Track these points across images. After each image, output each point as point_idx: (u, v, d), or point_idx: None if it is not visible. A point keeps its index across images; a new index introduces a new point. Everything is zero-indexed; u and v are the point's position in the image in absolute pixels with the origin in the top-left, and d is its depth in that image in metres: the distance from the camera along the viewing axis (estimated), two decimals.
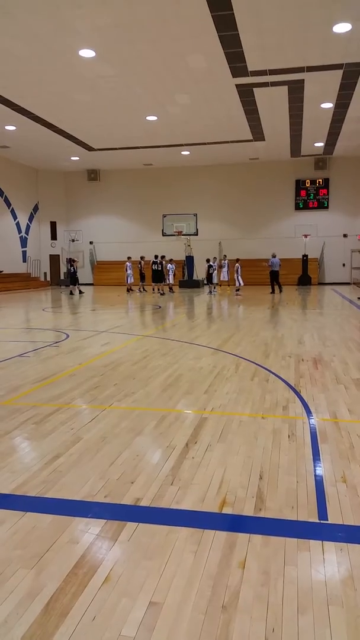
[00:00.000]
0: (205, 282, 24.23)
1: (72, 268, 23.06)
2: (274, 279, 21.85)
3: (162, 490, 3.27)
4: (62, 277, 31.36)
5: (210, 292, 22.08)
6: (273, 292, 21.84)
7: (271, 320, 12.50)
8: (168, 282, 24.05)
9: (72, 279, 22.92)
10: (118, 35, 12.66)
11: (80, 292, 23.25)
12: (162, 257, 23.85)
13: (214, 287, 22.47)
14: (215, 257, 24.24)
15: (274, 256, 21.98)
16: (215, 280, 22.67)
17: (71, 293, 22.95)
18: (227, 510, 3.03)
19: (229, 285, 25.07)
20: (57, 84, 16.15)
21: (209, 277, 22.47)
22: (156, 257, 23.29)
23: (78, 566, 2.49)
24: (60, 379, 6.41)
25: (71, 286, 23.16)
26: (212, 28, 12.30)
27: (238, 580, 2.37)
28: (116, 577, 2.40)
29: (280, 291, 21.91)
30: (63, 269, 31.49)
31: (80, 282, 23.57)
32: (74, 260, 23.48)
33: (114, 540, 2.71)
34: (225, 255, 25.73)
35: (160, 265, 22.90)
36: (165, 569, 2.46)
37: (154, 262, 22.95)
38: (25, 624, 2.10)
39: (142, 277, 24.25)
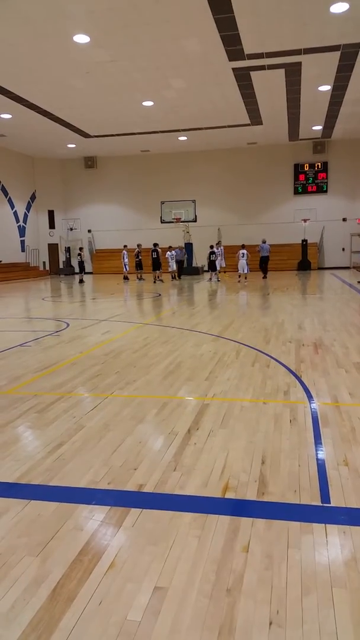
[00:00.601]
0: (206, 269, 23.99)
1: (79, 257, 24.82)
2: (264, 264, 22.71)
3: (165, 476, 3.28)
4: (61, 266, 31.29)
5: (210, 279, 21.87)
6: (265, 277, 22.47)
7: (271, 306, 12.49)
8: (170, 269, 23.45)
9: (81, 267, 24.19)
10: (112, 19, 12.48)
11: (81, 280, 23.51)
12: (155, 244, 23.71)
13: (215, 275, 21.97)
14: (219, 242, 24.06)
15: (264, 242, 22.64)
16: (218, 268, 22.45)
17: (80, 281, 23.44)
18: (230, 495, 3.05)
19: (225, 272, 24.98)
20: (52, 70, 15.97)
21: (211, 264, 22.22)
22: (155, 245, 23.10)
23: (83, 552, 2.51)
24: (61, 367, 6.42)
25: (82, 274, 24.11)
26: (207, 10, 12.13)
27: (242, 564, 2.39)
28: (121, 563, 2.42)
29: (264, 277, 22.51)
30: (62, 257, 31.42)
31: (78, 272, 23.81)
32: (81, 249, 24.98)
33: (118, 527, 2.73)
34: (220, 242, 25.15)
35: (156, 253, 22.65)
36: (170, 554, 2.48)
37: (153, 250, 22.79)
38: (32, 609, 2.12)
39: (140, 265, 23.90)
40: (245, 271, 20.32)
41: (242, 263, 20.27)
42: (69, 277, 28.42)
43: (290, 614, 2.06)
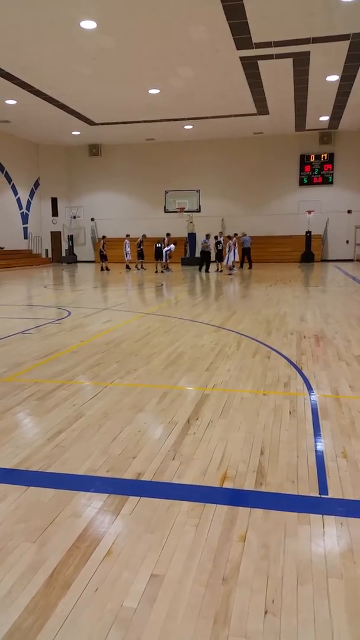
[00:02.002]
0: (213, 259, 23.64)
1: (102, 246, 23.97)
2: (246, 255, 23.84)
3: (164, 465, 3.29)
4: (63, 254, 31.24)
5: (218, 270, 21.57)
6: (250, 267, 23.62)
7: (273, 297, 12.46)
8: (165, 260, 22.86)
9: (102, 255, 23.63)
10: (119, 6, 12.34)
11: (102, 268, 23.46)
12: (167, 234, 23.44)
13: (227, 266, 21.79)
14: (221, 232, 23.93)
15: (244, 234, 24.22)
16: (232, 259, 21.56)
17: (102, 269, 23.41)
18: (228, 484, 3.05)
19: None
20: (58, 56, 15.84)
21: (217, 254, 22.14)
22: (168, 235, 23.02)
23: (80, 539, 2.52)
24: (62, 355, 6.43)
25: (103, 263, 23.54)
26: None
27: (239, 553, 2.40)
28: (118, 550, 2.43)
29: (250, 267, 23.68)
30: (65, 245, 31.36)
31: (80, 260, 23.29)
32: (104, 237, 24.42)
33: (116, 514, 2.74)
34: (220, 232, 24.50)
35: (161, 243, 22.46)
36: (167, 542, 2.48)
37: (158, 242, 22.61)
38: (29, 594, 2.13)
39: (141, 255, 23.54)
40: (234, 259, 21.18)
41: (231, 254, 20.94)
42: (71, 265, 28.42)
43: (286, 603, 2.07)
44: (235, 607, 2.05)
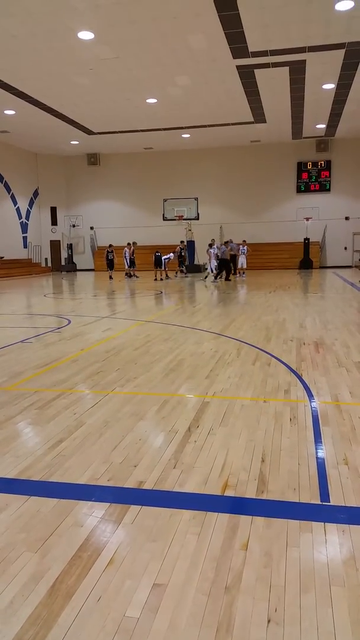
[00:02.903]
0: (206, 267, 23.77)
1: (109, 255, 23.61)
2: (232, 262, 22.84)
3: (165, 473, 3.29)
4: (63, 262, 31.29)
5: (222, 277, 21.43)
6: (235, 274, 22.55)
7: (273, 304, 12.48)
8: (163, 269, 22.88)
9: (111, 264, 23.31)
10: (117, 15, 12.45)
11: (111, 277, 23.10)
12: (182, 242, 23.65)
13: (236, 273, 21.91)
14: (230, 241, 24.02)
15: (231, 241, 23.07)
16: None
17: (110, 277, 23.11)
18: (229, 492, 3.05)
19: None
20: (56, 67, 15.95)
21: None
22: (182, 242, 23.32)
23: (82, 549, 2.51)
24: (62, 364, 6.43)
25: (110, 271, 23.28)
26: (212, 7, 12.09)
27: (241, 562, 2.39)
28: (120, 560, 2.43)
29: (234, 274, 22.56)
30: (64, 254, 31.42)
31: (79, 268, 23.10)
32: (110, 246, 24.08)
33: (117, 523, 2.73)
34: (213, 240, 24.50)
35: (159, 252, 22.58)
36: (169, 551, 2.48)
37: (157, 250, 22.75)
38: (31, 605, 2.13)
39: (132, 263, 23.66)
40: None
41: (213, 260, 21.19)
42: (71, 274, 28.45)
43: (289, 612, 2.06)
44: (238, 616, 2.04)
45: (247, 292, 15.91)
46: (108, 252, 23.55)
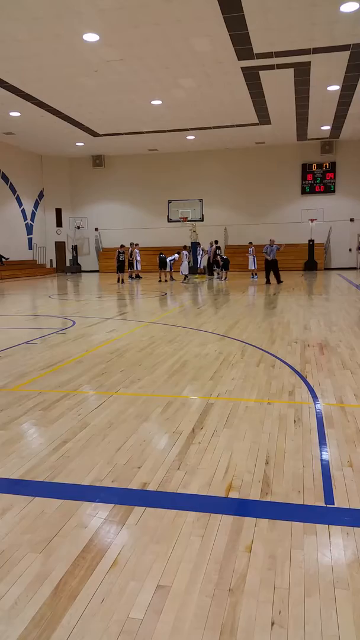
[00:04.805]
0: (214, 268, 23.79)
1: (120, 256, 22.47)
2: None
3: (169, 475, 3.29)
4: (67, 264, 31.34)
5: (221, 277, 21.83)
6: (219, 277, 22.60)
7: (277, 306, 12.46)
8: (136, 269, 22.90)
9: (122, 266, 22.18)
10: (122, 18, 12.48)
11: (122, 281, 21.70)
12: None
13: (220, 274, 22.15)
14: (250, 242, 24.18)
15: (216, 242, 24.11)
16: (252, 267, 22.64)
17: (120, 280, 21.74)
18: (233, 494, 3.04)
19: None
20: (61, 69, 16.00)
21: (217, 262, 22.36)
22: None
23: (86, 550, 2.52)
24: (67, 365, 6.44)
25: (119, 274, 21.96)
26: (217, 9, 12.11)
27: (245, 564, 2.39)
28: (124, 561, 2.43)
29: (215, 276, 23.20)
30: (69, 255, 31.48)
31: (84, 270, 22.89)
32: (122, 246, 23.20)
33: (121, 525, 2.73)
34: (215, 241, 24.52)
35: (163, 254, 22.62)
36: (173, 553, 2.48)
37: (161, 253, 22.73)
38: (35, 605, 2.13)
39: (130, 265, 23.14)
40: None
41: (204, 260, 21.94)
42: (76, 275, 28.49)
43: (293, 615, 2.06)
44: (242, 619, 2.04)
45: (252, 294, 15.89)
46: (119, 252, 22.38)
